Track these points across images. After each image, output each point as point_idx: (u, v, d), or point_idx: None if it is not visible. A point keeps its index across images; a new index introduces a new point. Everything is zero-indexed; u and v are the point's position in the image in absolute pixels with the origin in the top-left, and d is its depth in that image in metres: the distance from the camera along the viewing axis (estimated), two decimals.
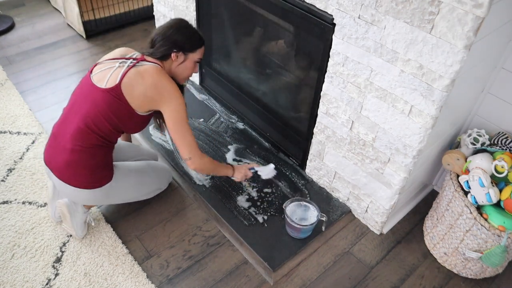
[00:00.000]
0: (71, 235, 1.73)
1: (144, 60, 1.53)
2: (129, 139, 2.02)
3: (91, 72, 1.54)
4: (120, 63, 1.51)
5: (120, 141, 1.90)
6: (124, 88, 1.46)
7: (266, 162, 2.02)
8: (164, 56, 1.57)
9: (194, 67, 1.66)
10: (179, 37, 1.56)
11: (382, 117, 1.52)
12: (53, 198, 1.73)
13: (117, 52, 1.59)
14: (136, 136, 2.22)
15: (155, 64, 1.53)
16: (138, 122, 1.58)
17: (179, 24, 1.59)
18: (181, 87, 1.73)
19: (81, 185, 1.55)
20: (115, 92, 1.46)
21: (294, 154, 2.05)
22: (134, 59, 1.53)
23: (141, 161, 1.82)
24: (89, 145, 1.50)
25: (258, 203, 1.84)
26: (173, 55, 1.56)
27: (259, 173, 1.87)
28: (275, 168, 1.90)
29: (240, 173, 1.81)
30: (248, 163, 1.97)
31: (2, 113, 2.31)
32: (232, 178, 1.83)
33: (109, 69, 1.50)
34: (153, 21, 2.68)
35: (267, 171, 1.88)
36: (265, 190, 1.90)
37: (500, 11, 1.24)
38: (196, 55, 1.63)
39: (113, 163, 1.65)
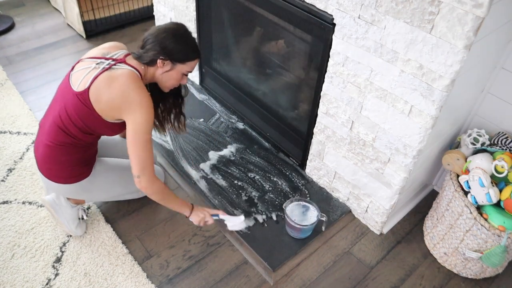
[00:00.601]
0: (70, 235, 1.73)
1: (124, 62, 1.43)
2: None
3: (72, 69, 1.48)
4: (97, 63, 1.42)
5: (118, 137, 1.88)
6: (92, 94, 1.38)
7: (237, 212, 1.79)
8: (151, 62, 1.45)
9: (181, 79, 1.54)
10: (170, 44, 1.43)
11: (382, 117, 1.52)
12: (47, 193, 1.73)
13: (102, 48, 1.50)
14: None
15: (133, 70, 1.42)
16: (109, 128, 1.50)
17: (175, 31, 1.46)
18: (179, 96, 1.67)
19: (56, 179, 1.56)
20: (83, 97, 1.39)
21: (294, 154, 2.05)
22: (113, 59, 1.43)
23: (126, 160, 1.74)
24: (61, 142, 1.48)
25: (258, 203, 1.84)
26: (159, 61, 1.44)
27: (226, 222, 1.68)
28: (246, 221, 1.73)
29: (197, 216, 1.61)
30: (216, 209, 1.74)
31: (2, 113, 2.31)
32: (189, 219, 1.63)
33: (85, 69, 1.42)
34: (153, 21, 2.69)
35: (235, 222, 1.68)
36: (265, 189, 1.91)
37: (500, 11, 1.24)
38: (185, 67, 1.50)
39: (99, 158, 1.65)
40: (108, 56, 1.45)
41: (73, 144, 1.49)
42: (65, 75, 1.52)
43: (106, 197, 1.78)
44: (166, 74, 1.50)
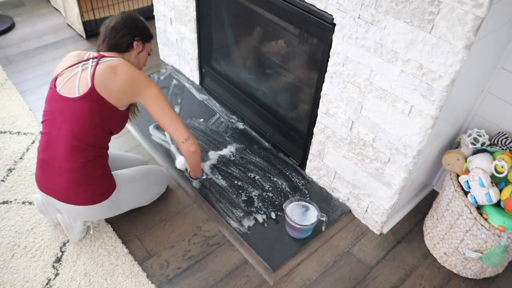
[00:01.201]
0: None
1: (103, 56, 1.49)
2: None
3: (55, 87, 1.46)
4: (82, 66, 1.46)
5: (120, 152, 1.89)
6: (100, 88, 1.41)
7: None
8: (128, 47, 1.56)
9: (146, 59, 1.69)
10: (138, 24, 1.58)
11: (382, 117, 1.52)
12: (46, 210, 1.68)
13: (71, 58, 1.52)
14: (136, 136, 2.22)
15: (118, 58, 1.51)
16: (120, 118, 1.55)
17: (133, 15, 1.60)
18: None
19: (89, 201, 1.51)
20: (92, 96, 1.41)
21: (294, 154, 2.05)
22: (93, 58, 1.48)
23: (135, 167, 1.78)
24: (86, 159, 1.46)
25: (258, 203, 1.84)
26: (135, 43, 1.57)
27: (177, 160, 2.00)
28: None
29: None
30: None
31: (2, 113, 2.31)
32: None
33: (74, 76, 1.44)
34: (153, 21, 2.68)
35: (179, 160, 1.98)
36: (265, 189, 1.91)
37: (500, 11, 1.24)
38: (149, 46, 1.66)
39: (113, 172, 1.62)
40: (85, 58, 1.49)
41: (98, 155, 1.49)
42: (47, 97, 1.49)
43: (127, 209, 1.74)
44: (139, 56, 1.63)
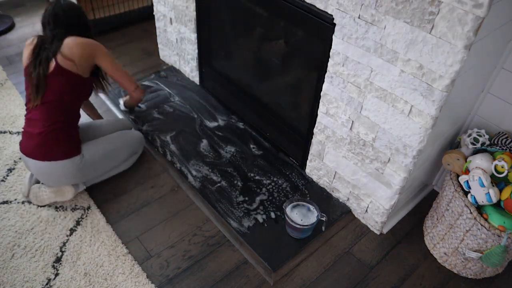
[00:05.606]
0: (71, 234, 1.73)
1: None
2: (99, 116, 2.19)
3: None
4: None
5: (93, 121, 2.05)
6: (63, 64, 1.64)
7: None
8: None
9: None
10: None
11: (382, 117, 1.52)
12: (30, 178, 1.85)
13: (30, 45, 1.71)
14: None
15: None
16: (87, 86, 1.79)
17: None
18: None
19: (60, 156, 1.69)
20: (59, 70, 1.65)
21: (294, 154, 2.05)
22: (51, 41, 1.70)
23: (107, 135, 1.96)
24: (56, 121, 1.68)
25: (258, 203, 1.84)
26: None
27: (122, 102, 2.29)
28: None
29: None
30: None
31: (2, 113, 2.31)
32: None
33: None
34: (153, 21, 2.68)
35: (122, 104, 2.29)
36: (265, 189, 1.91)
37: (500, 11, 1.24)
38: None
39: (82, 142, 1.80)
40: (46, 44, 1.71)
41: (65, 121, 1.71)
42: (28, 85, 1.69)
43: (101, 171, 1.88)
44: None
